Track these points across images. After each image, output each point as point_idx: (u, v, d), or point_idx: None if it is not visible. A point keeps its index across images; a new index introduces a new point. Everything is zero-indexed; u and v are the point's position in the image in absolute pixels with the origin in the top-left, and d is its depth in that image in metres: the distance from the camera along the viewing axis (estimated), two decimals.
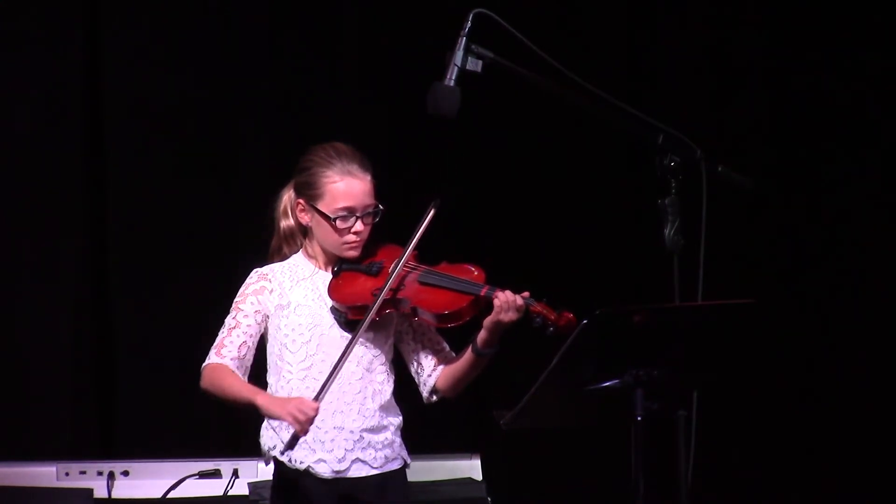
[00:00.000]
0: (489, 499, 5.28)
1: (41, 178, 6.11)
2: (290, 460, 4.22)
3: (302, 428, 4.04)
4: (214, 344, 4.23)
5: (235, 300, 4.28)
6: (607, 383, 3.68)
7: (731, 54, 6.71)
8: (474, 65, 3.89)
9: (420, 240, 4.19)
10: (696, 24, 6.71)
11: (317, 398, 4.08)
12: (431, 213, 4.18)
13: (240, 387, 4.17)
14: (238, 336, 4.22)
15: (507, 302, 4.08)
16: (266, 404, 4.10)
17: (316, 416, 4.06)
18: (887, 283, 6.57)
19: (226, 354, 4.20)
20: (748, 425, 6.44)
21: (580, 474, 6.37)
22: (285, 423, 4.18)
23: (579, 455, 6.22)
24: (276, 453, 4.24)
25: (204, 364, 4.22)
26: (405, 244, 4.20)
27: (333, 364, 4.14)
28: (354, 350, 4.20)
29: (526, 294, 4.10)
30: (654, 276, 4.03)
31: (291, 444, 4.10)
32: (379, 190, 4.27)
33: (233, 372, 4.19)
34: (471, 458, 5.42)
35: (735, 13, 6.70)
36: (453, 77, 3.89)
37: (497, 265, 4.25)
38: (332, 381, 4.12)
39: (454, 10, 3.96)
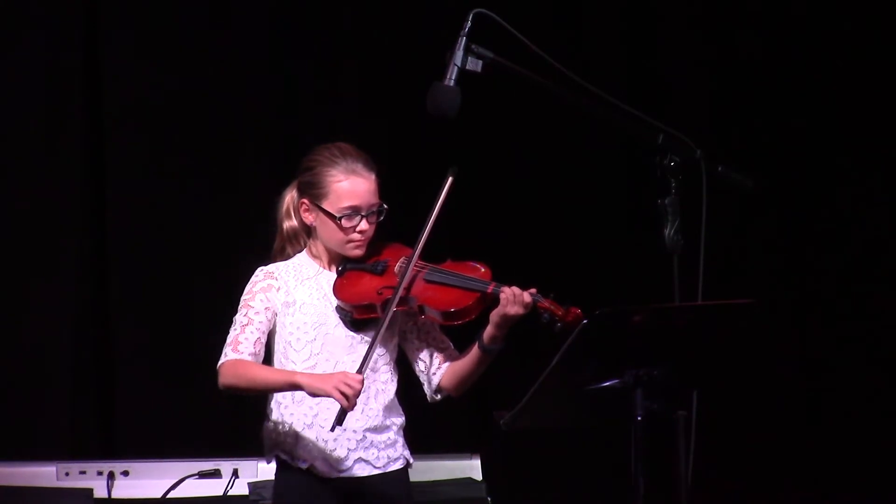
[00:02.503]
0: (489, 499, 5.28)
1: (42, 177, 6.10)
2: (292, 459, 4.22)
3: (349, 402, 4.03)
4: (228, 342, 4.21)
5: (244, 298, 4.27)
6: (607, 383, 3.68)
7: (731, 54, 6.71)
8: (474, 65, 3.89)
9: (441, 211, 4.16)
10: (695, 23, 6.71)
11: (360, 371, 4.09)
12: (450, 181, 4.18)
13: (273, 372, 4.18)
14: (252, 332, 4.22)
15: (513, 295, 4.09)
16: (309, 382, 4.09)
17: (361, 388, 4.05)
18: (888, 282, 6.57)
19: (243, 350, 4.19)
20: (748, 425, 6.44)
21: (580, 474, 6.37)
22: (289, 422, 4.21)
23: (579, 455, 6.22)
24: (278, 451, 4.24)
25: (220, 362, 4.19)
26: (425, 219, 4.18)
27: (371, 338, 4.14)
28: (358, 350, 4.22)
29: (533, 290, 4.10)
30: (654, 276, 4.03)
31: (340, 419, 4.08)
32: (382, 189, 4.27)
33: (253, 363, 4.18)
34: (471, 458, 5.42)
35: (735, 13, 6.70)
36: (453, 77, 3.89)
37: (497, 265, 4.25)
38: (373, 353, 4.13)
39: (454, 10, 3.97)
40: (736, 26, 6.72)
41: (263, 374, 4.17)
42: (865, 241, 6.61)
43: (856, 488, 6.43)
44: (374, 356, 4.25)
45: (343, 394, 4.02)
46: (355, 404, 4.06)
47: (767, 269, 6.60)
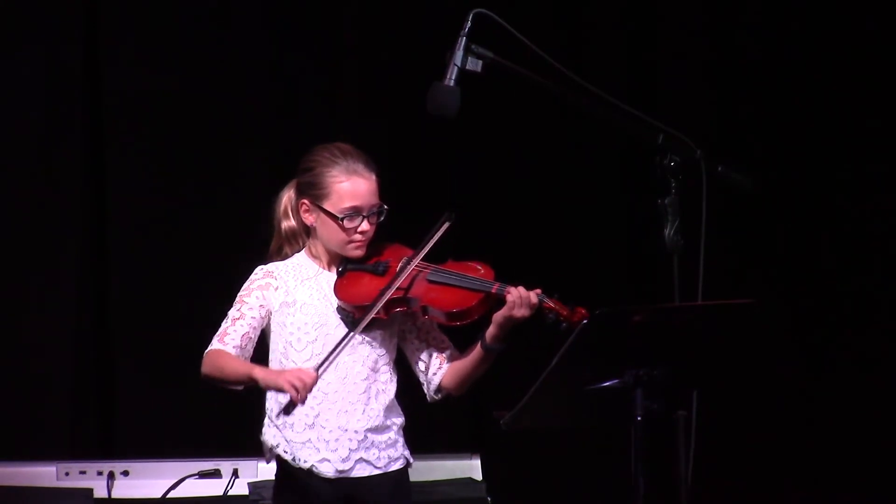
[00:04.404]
0: (489, 499, 5.28)
1: (42, 178, 6.10)
2: (293, 459, 4.22)
3: (299, 395, 4.03)
4: (217, 333, 4.23)
5: (240, 293, 4.28)
6: (607, 383, 3.68)
7: (732, 54, 6.71)
8: (474, 65, 3.89)
9: (430, 249, 4.19)
10: (696, 23, 6.71)
11: (317, 369, 4.08)
12: (445, 226, 4.18)
13: (237, 364, 4.16)
14: (241, 326, 4.22)
15: (520, 298, 4.09)
16: (264, 375, 4.11)
17: (314, 384, 4.05)
18: (888, 282, 6.57)
19: (228, 342, 4.20)
20: (748, 425, 6.44)
21: (580, 474, 6.37)
22: (289, 422, 4.20)
23: (579, 455, 6.22)
24: (279, 451, 4.24)
25: (206, 350, 4.21)
26: (414, 248, 4.21)
27: (336, 344, 4.13)
28: (359, 350, 4.21)
29: (538, 291, 4.10)
30: (654, 276, 4.03)
31: (287, 411, 4.08)
32: (381, 189, 4.28)
33: (231, 354, 4.19)
34: (471, 458, 5.42)
35: (735, 13, 6.70)
36: (453, 77, 3.89)
37: (497, 265, 4.24)
38: (336, 356, 4.11)
39: (454, 10, 3.97)
40: (736, 26, 6.72)
41: (230, 365, 4.16)
42: (865, 240, 6.61)
43: (856, 488, 6.42)
44: (375, 356, 4.26)
45: (294, 388, 4.02)
46: (305, 398, 4.05)
47: (767, 269, 6.59)
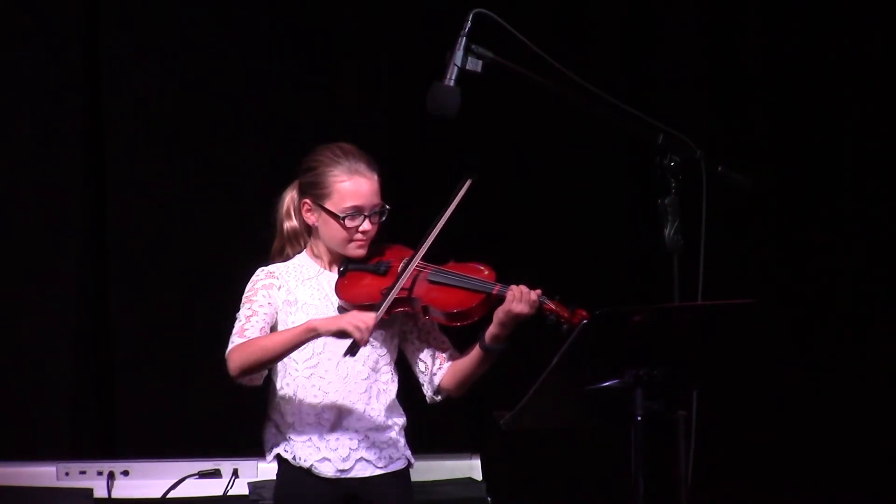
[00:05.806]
0: (489, 499, 5.29)
1: (41, 178, 6.10)
2: (293, 458, 4.22)
3: (362, 337, 4.03)
4: (234, 332, 4.20)
5: (246, 295, 4.27)
6: (607, 383, 3.68)
7: (732, 54, 6.72)
8: (474, 65, 3.89)
9: (453, 214, 4.17)
10: (695, 23, 6.71)
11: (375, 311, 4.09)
12: (467, 184, 4.17)
13: (284, 333, 4.17)
14: (257, 322, 4.21)
15: (521, 293, 4.10)
16: (322, 323, 4.09)
17: (375, 326, 4.06)
18: (888, 282, 6.57)
19: (250, 336, 4.18)
20: (748, 425, 6.44)
21: (580, 474, 6.37)
22: (290, 421, 4.22)
23: (579, 455, 6.22)
24: (279, 450, 4.25)
25: (228, 350, 4.18)
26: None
27: (389, 294, 4.13)
28: (360, 350, 4.21)
29: (539, 291, 4.10)
30: (654, 276, 4.03)
31: (352, 352, 4.07)
32: (382, 190, 4.28)
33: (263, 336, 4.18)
34: (471, 458, 5.42)
35: (735, 12, 6.70)
36: (453, 77, 3.90)
37: (497, 265, 4.25)
38: (389, 301, 4.11)
39: (454, 10, 3.97)
40: (735, 26, 6.72)
41: (275, 338, 4.15)
42: (865, 240, 6.61)
43: (856, 488, 6.43)
44: (376, 356, 4.27)
45: (358, 329, 4.03)
46: (368, 340, 4.07)
47: (767, 269, 6.60)
